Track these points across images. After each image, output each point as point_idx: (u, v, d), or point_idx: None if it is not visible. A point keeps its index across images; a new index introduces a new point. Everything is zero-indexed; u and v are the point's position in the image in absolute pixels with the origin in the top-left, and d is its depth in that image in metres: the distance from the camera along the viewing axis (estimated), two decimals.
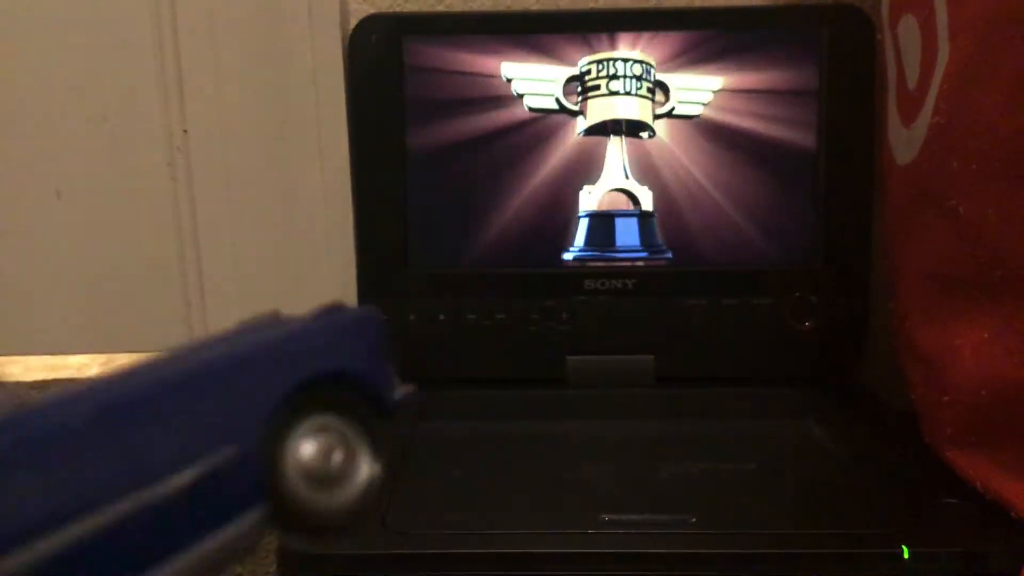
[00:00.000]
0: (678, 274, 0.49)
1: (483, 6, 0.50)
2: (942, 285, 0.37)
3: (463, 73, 0.48)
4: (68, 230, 0.50)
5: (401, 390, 0.25)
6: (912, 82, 0.39)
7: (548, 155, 0.48)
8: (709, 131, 0.48)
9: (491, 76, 0.48)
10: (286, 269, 0.50)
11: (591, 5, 0.49)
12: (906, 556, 0.32)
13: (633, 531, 0.34)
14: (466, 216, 0.49)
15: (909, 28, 0.39)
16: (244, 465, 0.20)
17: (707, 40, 0.48)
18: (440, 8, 0.50)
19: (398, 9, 0.50)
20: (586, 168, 0.49)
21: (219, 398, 0.20)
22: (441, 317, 0.49)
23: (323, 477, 0.21)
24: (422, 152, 0.48)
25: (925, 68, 0.37)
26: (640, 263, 0.49)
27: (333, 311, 0.25)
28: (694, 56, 0.48)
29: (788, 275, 0.48)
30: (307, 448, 0.21)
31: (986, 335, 0.34)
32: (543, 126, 0.48)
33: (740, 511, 0.36)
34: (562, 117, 0.48)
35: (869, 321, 0.48)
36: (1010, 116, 0.31)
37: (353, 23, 0.48)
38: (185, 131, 0.49)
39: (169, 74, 0.48)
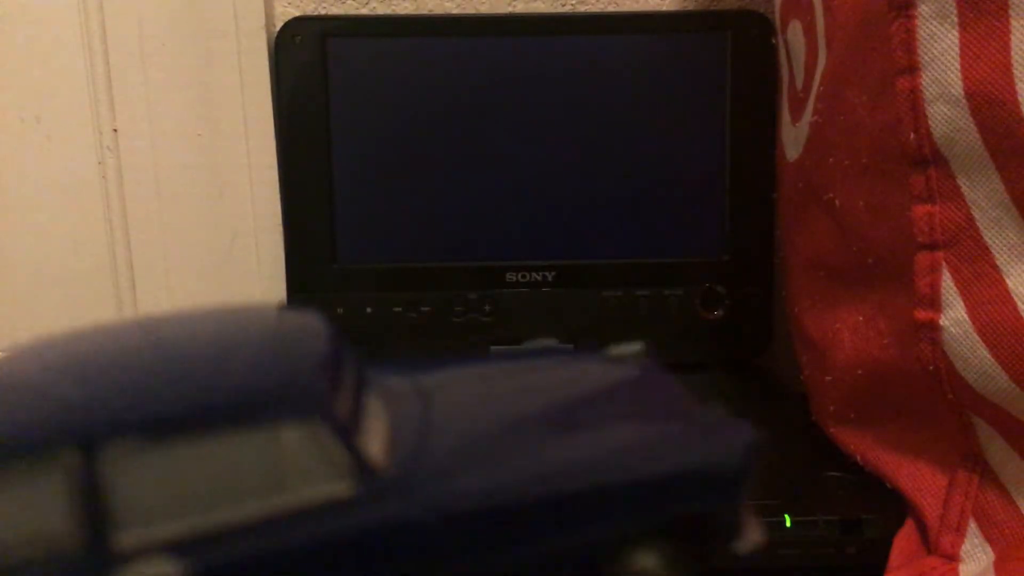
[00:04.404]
0: (594, 266, 0.51)
1: (405, 9, 0.51)
2: (825, 273, 0.39)
3: (386, 73, 0.50)
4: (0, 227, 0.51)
5: (750, 535, 0.23)
6: (799, 83, 0.41)
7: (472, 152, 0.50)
8: (623, 131, 0.50)
9: (414, 77, 0.50)
10: (216, 266, 0.51)
11: (509, 10, 0.51)
12: (788, 524, 0.35)
13: None
14: (392, 212, 0.51)
15: (795, 32, 0.41)
16: None
17: (619, 44, 0.50)
18: (364, 11, 0.51)
19: (323, 12, 0.51)
20: None
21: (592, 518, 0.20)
22: (368, 310, 0.50)
23: None
24: (348, 151, 0.50)
25: (808, 70, 0.40)
26: (558, 256, 0.51)
27: (733, 434, 0.23)
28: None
29: (697, 267, 0.50)
30: None
31: (861, 318, 0.37)
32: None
33: None
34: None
35: (774, 310, 0.51)
36: (874, 113, 0.34)
37: (279, 25, 0.50)
38: (115, 130, 0.50)
39: (98, 75, 0.49)
